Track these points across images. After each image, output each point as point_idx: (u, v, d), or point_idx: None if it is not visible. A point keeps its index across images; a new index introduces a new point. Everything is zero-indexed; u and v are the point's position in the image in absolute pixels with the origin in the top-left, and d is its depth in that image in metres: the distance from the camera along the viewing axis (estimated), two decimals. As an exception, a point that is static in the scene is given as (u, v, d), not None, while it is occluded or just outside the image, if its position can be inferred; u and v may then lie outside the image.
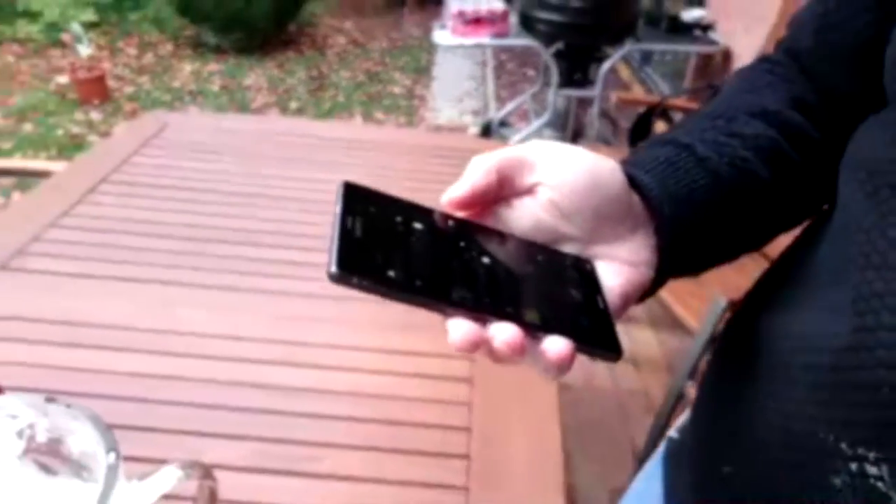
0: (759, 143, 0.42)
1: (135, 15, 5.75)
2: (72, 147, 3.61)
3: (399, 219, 0.35)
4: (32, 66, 4.77)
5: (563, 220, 0.37)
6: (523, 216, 0.38)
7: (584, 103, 3.27)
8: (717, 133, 0.42)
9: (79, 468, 0.51)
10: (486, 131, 3.56)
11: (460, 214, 0.37)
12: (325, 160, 1.48)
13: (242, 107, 4.20)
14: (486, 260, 0.35)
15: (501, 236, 0.37)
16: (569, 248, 0.39)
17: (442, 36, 2.94)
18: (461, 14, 2.83)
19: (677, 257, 0.40)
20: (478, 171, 0.36)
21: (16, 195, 2.92)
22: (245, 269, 1.09)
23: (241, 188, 1.34)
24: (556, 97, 3.15)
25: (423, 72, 4.96)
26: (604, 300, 0.37)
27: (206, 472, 0.55)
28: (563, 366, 0.33)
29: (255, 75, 4.73)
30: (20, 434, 0.50)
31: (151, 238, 1.15)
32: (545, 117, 3.22)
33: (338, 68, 4.96)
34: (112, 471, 0.45)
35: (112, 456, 0.46)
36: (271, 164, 1.45)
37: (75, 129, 3.81)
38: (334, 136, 1.60)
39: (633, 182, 0.39)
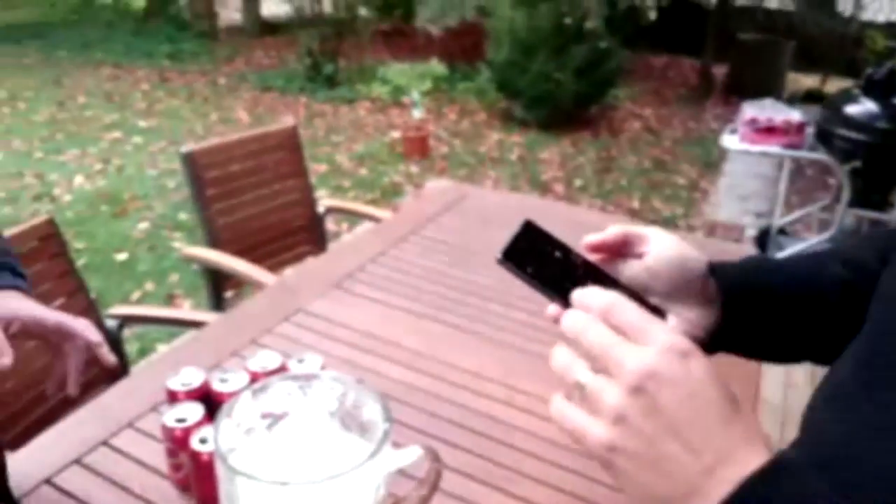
0: (837, 275, 0.58)
1: (462, 86, 6.65)
2: (392, 193, 4.36)
3: (549, 248, 0.58)
4: (376, 120, 5.81)
5: (653, 279, 0.57)
6: (630, 269, 0.58)
7: (878, 226, 3.07)
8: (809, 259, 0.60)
9: (364, 430, 0.82)
10: (764, 237, 3.50)
11: (591, 257, 0.59)
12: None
13: (533, 177, 4.66)
14: (590, 284, 0.58)
15: (608, 277, 0.58)
16: (653, 299, 0.58)
17: (730, 140, 3.03)
18: (753, 121, 2.90)
19: (731, 333, 0.57)
20: (612, 231, 0.58)
21: (344, 226, 3.64)
22: (493, 322, 1.38)
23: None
24: (846, 215, 3.02)
25: (712, 166, 4.98)
26: None
27: (437, 458, 0.82)
28: None
29: (550, 151, 5.19)
30: (338, 398, 0.83)
31: (436, 284, 1.51)
32: (829, 232, 3.10)
33: (627, 153, 5.21)
34: (385, 434, 0.75)
35: (387, 425, 0.76)
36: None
37: (396, 178, 4.59)
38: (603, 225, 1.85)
39: (715, 271, 0.58)
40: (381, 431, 0.73)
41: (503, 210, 1.92)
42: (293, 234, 2.25)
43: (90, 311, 1.60)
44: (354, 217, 3.23)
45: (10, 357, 0.72)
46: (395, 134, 5.35)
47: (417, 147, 4.98)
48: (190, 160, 1.95)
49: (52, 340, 0.84)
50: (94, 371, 1.60)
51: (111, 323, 1.64)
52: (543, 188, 4.49)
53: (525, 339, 1.33)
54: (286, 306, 1.40)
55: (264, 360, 1.05)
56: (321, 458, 0.78)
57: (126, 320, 1.65)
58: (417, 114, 5.05)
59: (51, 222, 1.53)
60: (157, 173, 4.49)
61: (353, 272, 1.54)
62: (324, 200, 2.34)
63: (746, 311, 0.57)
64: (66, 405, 1.44)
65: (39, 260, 1.52)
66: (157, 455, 0.97)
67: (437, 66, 6.18)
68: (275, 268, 2.17)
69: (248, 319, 1.38)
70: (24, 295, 0.85)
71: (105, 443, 1.02)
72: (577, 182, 4.61)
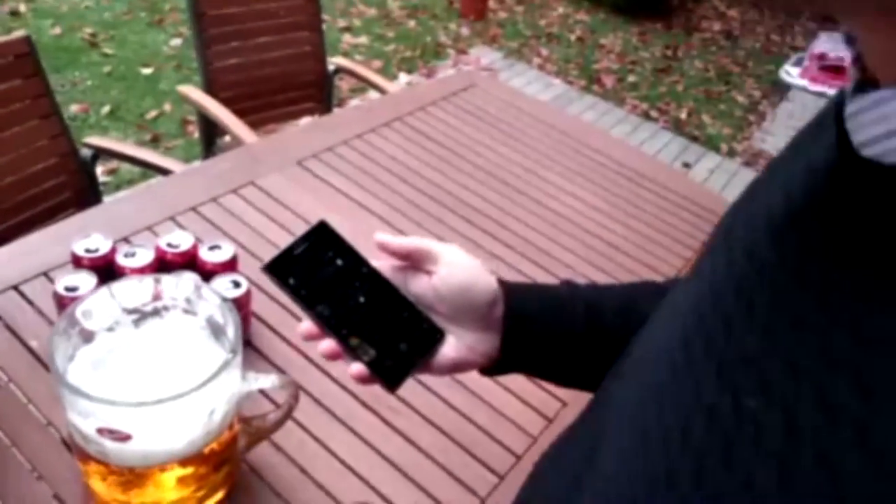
0: (627, 306, 0.54)
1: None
2: (433, 54, 4.16)
3: (331, 254, 0.56)
4: (441, -32, 5.44)
5: (437, 301, 0.56)
6: (419, 285, 0.56)
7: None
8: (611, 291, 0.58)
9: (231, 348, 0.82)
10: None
11: (377, 263, 0.57)
12: (575, 168, 1.63)
13: (586, 63, 4.38)
14: (362, 299, 0.55)
15: (391, 290, 0.56)
16: (437, 318, 0.56)
17: (790, 73, 2.76)
18: (821, 57, 2.63)
19: (510, 361, 0.56)
20: (407, 241, 0.56)
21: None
22: (447, 235, 1.33)
23: (487, 164, 1.57)
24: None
25: (778, 89, 4.61)
26: (419, 356, 0.55)
27: (296, 390, 0.82)
28: (358, 379, 0.53)
29: (614, 37, 4.84)
30: (212, 311, 0.81)
31: (403, 184, 1.45)
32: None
33: (695, 55, 4.83)
34: (225, 364, 0.74)
35: (231, 355, 0.75)
36: (530, 153, 1.65)
37: (443, 38, 4.36)
38: (613, 155, 1.74)
39: (509, 297, 0.55)
40: (223, 361, 0.73)
41: (505, 110, 1.81)
42: (297, 90, 2.17)
43: (63, 135, 1.59)
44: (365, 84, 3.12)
45: None
46: (457, -13, 5.02)
47: (475, 7, 4.69)
48: (193, -6, 1.85)
49: None
50: (66, 195, 1.63)
51: (85, 152, 1.64)
52: (591, 77, 4.23)
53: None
54: (239, 175, 1.37)
55: (177, 239, 1.04)
56: (178, 362, 0.79)
57: (99, 152, 1.65)
58: (483, -30, 4.70)
59: (27, 40, 1.49)
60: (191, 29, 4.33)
61: (319, 152, 1.49)
62: (335, 59, 2.23)
63: (526, 345, 0.55)
64: (24, 229, 1.47)
65: (13, 78, 1.49)
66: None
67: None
68: (271, 122, 2.13)
69: (199, 181, 1.35)
70: None
71: (15, 287, 1.05)
72: (630, 78, 4.33)
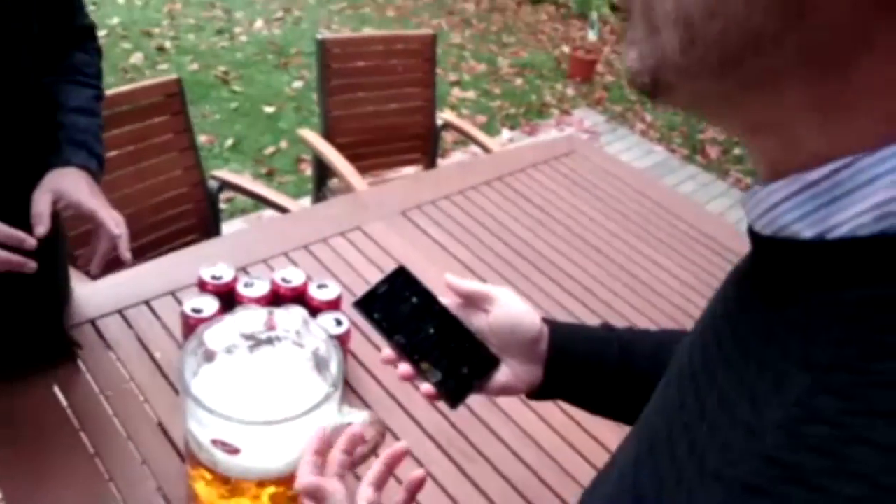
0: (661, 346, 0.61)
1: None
2: (536, 113, 4.27)
3: (408, 293, 0.67)
4: (553, 29, 5.59)
5: (491, 335, 0.66)
6: (478, 320, 0.67)
7: None
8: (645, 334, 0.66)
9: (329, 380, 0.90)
10: None
11: (445, 301, 0.67)
12: (666, 239, 1.66)
13: (691, 133, 4.37)
14: (432, 330, 0.65)
15: (456, 324, 0.66)
16: (493, 349, 0.66)
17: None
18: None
19: (551, 390, 0.65)
20: (469, 284, 0.67)
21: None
22: (535, 279, 1.39)
23: (578, 227, 1.62)
24: None
25: None
26: (477, 379, 0.64)
27: (383, 429, 0.88)
28: (427, 396, 0.64)
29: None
30: (317, 344, 0.90)
31: (497, 241, 1.53)
32: None
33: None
34: (326, 397, 0.82)
35: (332, 389, 0.83)
36: (621, 220, 1.69)
37: (548, 98, 4.47)
38: (705, 230, 1.75)
39: (554, 334, 0.65)
40: (325, 393, 0.81)
41: (602, 177, 1.86)
42: (406, 140, 2.31)
43: (196, 167, 1.77)
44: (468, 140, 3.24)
45: (46, 228, 0.85)
46: (566, 49, 5.15)
47: (582, 69, 4.78)
48: (322, 47, 2.03)
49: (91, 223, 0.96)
50: (192, 221, 1.80)
51: (212, 183, 1.82)
52: (695, 147, 4.21)
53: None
54: (348, 219, 1.48)
55: (290, 275, 1.15)
56: (284, 388, 0.88)
57: (224, 185, 1.82)
58: (592, 36, 4.81)
59: (178, 82, 1.68)
60: (317, 77, 4.65)
61: (423, 204, 1.59)
62: (443, 114, 2.36)
63: (564, 377, 0.65)
64: (152, 248, 1.64)
65: (162, 114, 1.68)
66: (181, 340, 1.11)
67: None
68: (379, 168, 2.27)
69: (311, 221, 1.48)
70: (88, 175, 0.96)
71: (146, 302, 1.18)
72: (736, 151, 4.27)
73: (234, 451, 0.78)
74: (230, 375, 0.87)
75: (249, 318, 0.90)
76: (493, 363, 0.65)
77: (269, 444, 0.80)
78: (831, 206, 0.26)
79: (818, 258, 0.27)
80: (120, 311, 1.16)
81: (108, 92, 1.67)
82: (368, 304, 0.66)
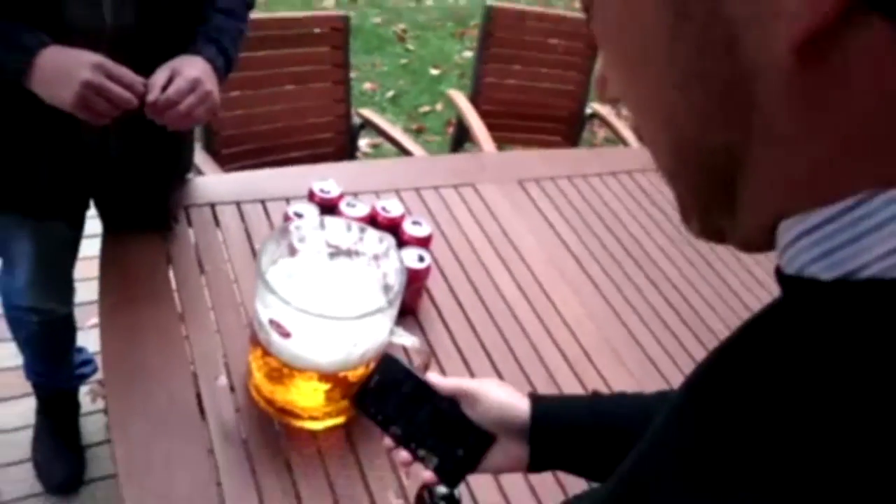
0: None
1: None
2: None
3: (398, 381, 0.68)
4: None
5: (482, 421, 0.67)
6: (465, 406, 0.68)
7: None
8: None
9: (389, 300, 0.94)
10: None
11: (435, 379, 0.69)
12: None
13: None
14: (426, 417, 0.67)
15: (448, 407, 0.67)
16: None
17: None
18: None
19: (541, 464, 0.67)
20: (452, 383, 0.68)
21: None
22: (629, 294, 1.36)
23: (700, 244, 1.55)
24: None
25: None
26: (473, 459, 0.66)
27: (428, 357, 0.92)
28: (429, 480, 0.67)
29: None
30: (387, 272, 0.94)
31: (605, 230, 1.50)
32: None
33: None
34: (379, 309, 0.86)
35: (389, 305, 0.87)
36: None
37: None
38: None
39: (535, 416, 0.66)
40: (378, 306, 0.85)
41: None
42: (550, 122, 2.30)
43: (344, 101, 1.87)
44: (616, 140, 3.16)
45: (156, 97, 0.93)
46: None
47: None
48: (489, 13, 2.06)
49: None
50: (329, 149, 1.91)
51: (356, 119, 1.92)
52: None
53: (633, 330, 1.30)
54: (465, 176, 1.52)
55: (391, 206, 1.20)
56: (347, 295, 0.93)
57: (366, 123, 1.91)
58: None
59: (344, 19, 1.78)
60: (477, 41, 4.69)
61: (541, 178, 1.59)
62: (594, 104, 2.33)
63: (548, 446, 0.66)
64: (296, 162, 1.77)
65: (324, 45, 1.80)
66: (281, 230, 1.19)
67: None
68: (516, 143, 2.28)
69: (430, 170, 1.53)
70: (211, 70, 1.01)
71: (262, 201, 1.28)
72: None
73: (286, 334, 0.84)
74: (304, 272, 0.93)
75: (339, 229, 0.96)
76: (488, 441, 0.67)
77: (318, 337, 0.85)
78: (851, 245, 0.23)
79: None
80: (237, 203, 1.27)
81: (281, 15, 1.82)
82: (363, 400, 0.70)
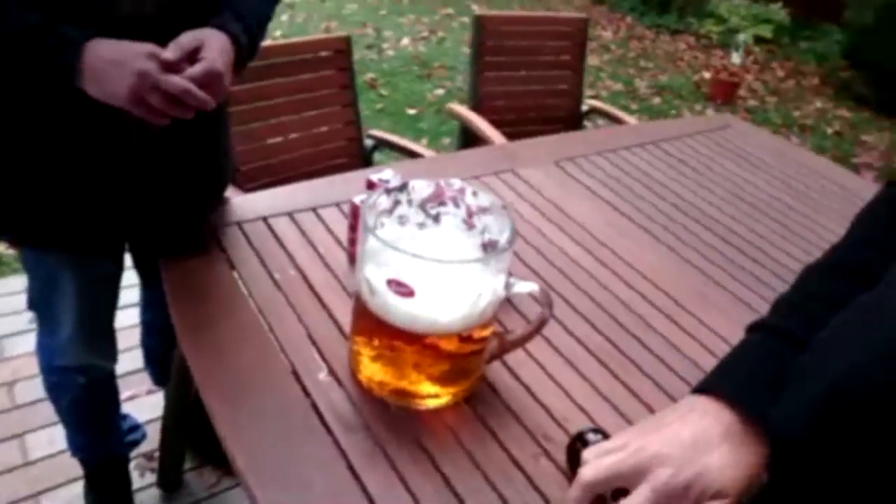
0: None
1: (806, 45, 5.92)
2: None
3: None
4: (693, 58, 5.48)
5: None
6: None
7: None
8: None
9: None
10: None
11: None
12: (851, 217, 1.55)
13: (842, 157, 4.10)
14: None
15: None
16: None
17: None
18: None
19: None
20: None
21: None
22: (691, 242, 1.33)
23: (745, 194, 1.54)
24: None
25: None
26: None
27: (549, 304, 0.87)
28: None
29: (879, 136, 4.48)
30: (491, 227, 0.89)
31: (654, 196, 1.48)
32: None
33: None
34: (497, 248, 0.81)
35: (508, 246, 0.82)
36: (800, 196, 1.60)
37: (687, 116, 4.34)
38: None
39: None
40: (497, 250, 0.80)
41: (767, 152, 1.77)
42: (550, 123, 2.31)
43: (355, 124, 1.85)
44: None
45: (174, 55, 0.87)
46: (707, 74, 5.02)
47: (724, 91, 4.63)
48: (478, 22, 2.09)
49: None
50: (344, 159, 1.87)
51: (368, 142, 1.89)
52: (850, 170, 3.94)
53: (711, 275, 1.27)
54: (500, 163, 1.49)
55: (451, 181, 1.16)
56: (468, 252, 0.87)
57: (379, 143, 1.89)
58: (737, 59, 4.67)
59: (346, 40, 1.78)
60: (470, 52, 4.80)
61: (575, 157, 1.58)
62: (590, 100, 2.35)
63: None
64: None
65: (328, 68, 1.79)
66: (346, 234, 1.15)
67: (778, 11, 5.44)
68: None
69: (463, 163, 1.50)
70: (233, 48, 0.95)
71: (313, 209, 1.24)
72: (896, 178, 3.96)
73: (409, 293, 0.79)
74: (408, 234, 0.88)
75: (429, 189, 0.91)
76: None
77: (441, 289, 0.80)
78: None
79: None
80: (290, 214, 1.22)
81: (281, 42, 1.80)
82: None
